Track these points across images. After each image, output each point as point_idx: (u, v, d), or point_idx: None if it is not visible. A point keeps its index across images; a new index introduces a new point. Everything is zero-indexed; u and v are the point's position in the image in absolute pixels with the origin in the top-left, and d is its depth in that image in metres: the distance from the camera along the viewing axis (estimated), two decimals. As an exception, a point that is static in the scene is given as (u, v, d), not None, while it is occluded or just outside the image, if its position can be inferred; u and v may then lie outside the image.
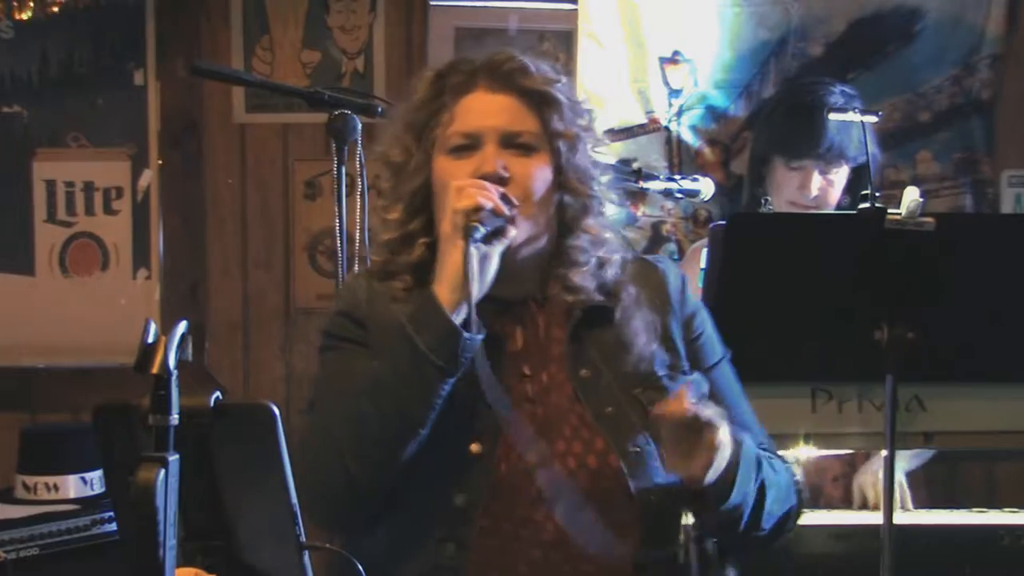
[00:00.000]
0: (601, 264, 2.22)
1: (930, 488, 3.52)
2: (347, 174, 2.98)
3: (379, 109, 3.01)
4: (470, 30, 4.52)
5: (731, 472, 2.06)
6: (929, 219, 2.63)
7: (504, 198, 2.09)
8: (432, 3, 4.54)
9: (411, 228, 2.18)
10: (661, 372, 2.20)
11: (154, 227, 4.63)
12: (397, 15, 4.60)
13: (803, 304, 2.71)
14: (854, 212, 2.91)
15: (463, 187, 2.07)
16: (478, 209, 2.04)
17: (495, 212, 2.06)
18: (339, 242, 3.00)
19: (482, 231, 2.03)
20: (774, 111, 3.65)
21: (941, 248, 2.66)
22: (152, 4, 4.56)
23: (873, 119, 3.17)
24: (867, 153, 3.25)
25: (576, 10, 4.42)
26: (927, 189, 4.40)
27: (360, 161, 2.97)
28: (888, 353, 2.65)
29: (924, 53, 4.54)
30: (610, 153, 4.33)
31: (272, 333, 4.64)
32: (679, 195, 3.34)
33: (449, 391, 2.07)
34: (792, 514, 2.27)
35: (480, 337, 2.05)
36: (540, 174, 2.14)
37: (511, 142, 2.15)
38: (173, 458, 1.57)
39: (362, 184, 2.94)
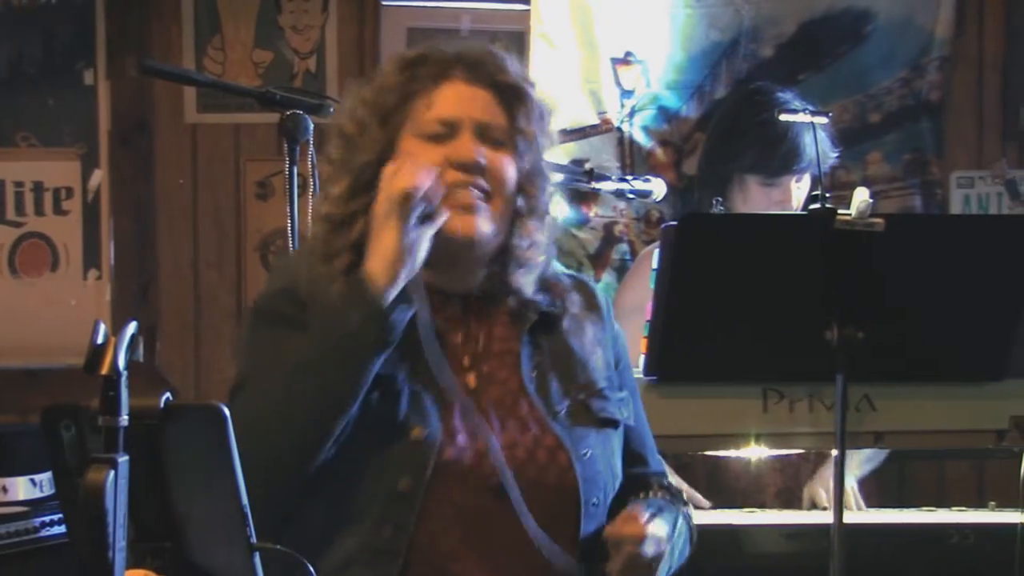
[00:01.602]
0: (545, 270, 2.25)
1: (880, 488, 3.54)
2: (299, 174, 2.98)
3: (331, 109, 3.00)
4: (422, 30, 4.52)
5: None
6: (879, 220, 2.65)
7: (476, 186, 2.13)
8: (384, 3, 4.53)
9: (354, 207, 2.16)
10: (602, 384, 2.23)
11: (104, 227, 4.60)
12: (349, 15, 4.60)
13: (754, 304, 2.72)
14: (804, 213, 2.93)
15: (399, 168, 2.07)
16: (415, 190, 2.04)
17: (428, 196, 2.06)
18: (291, 242, 2.99)
19: (418, 211, 2.04)
20: (742, 130, 3.60)
21: (890, 248, 2.67)
22: (102, 3, 4.54)
23: (823, 120, 3.19)
24: (817, 154, 3.27)
25: (528, 11, 4.42)
26: (877, 190, 4.43)
27: (312, 161, 2.97)
28: (838, 353, 2.66)
29: (874, 55, 4.57)
30: (563, 154, 4.37)
31: (224, 334, 4.62)
32: (631, 196, 3.35)
33: (396, 374, 2.08)
34: (685, 559, 2.32)
35: (411, 312, 2.06)
36: (509, 169, 2.16)
37: (485, 134, 2.16)
38: (123, 459, 1.56)
39: (314, 184, 2.93)
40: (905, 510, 3.32)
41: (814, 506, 3.41)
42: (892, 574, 3.10)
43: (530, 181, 2.19)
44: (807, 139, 3.41)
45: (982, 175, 4.64)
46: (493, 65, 2.18)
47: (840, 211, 2.67)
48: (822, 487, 3.41)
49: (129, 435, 1.58)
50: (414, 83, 2.18)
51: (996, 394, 2.91)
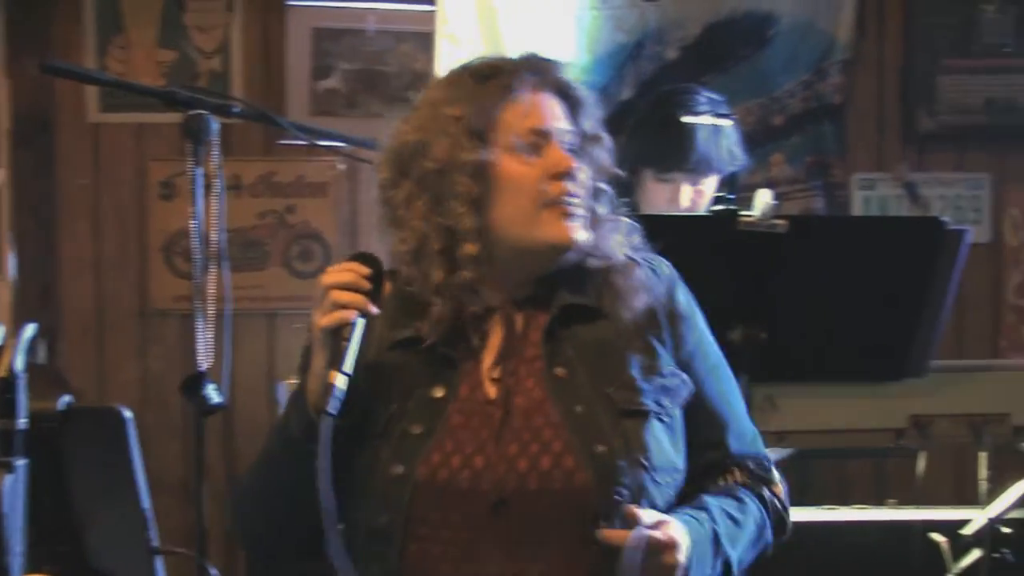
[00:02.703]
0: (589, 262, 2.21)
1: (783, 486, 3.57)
2: (204, 174, 2.95)
3: (235, 109, 2.98)
4: (328, 31, 4.51)
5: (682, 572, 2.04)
6: (781, 221, 2.67)
7: (367, 260, 2.07)
8: (289, 3, 4.51)
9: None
10: (635, 373, 2.14)
11: (5, 228, 4.54)
12: (254, 15, 4.57)
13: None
14: (708, 214, 2.95)
15: (329, 301, 2.03)
16: (345, 325, 2.02)
17: (365, 311, 2.03)
18: (195, 243, 2.96)
19: (342, 385, 2.00)
20: (644, 122, 3.66)
21: (793, 249, 2.70)
22: (2, 1, 4.48)
23: (727, 123, 3.22)
24: (736, 162, 3.32)
25: (434, 12, 4.42)
26: (780, 192, 4.47)
27: (217, 162, 2.94)
28: (741, 353, 2.68)
29: (777, 58, 4.61)
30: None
31: (127, 335, 4.58)
32: (538, 196, 3.34)
33: (379, 416, 2.08)
34: (768, 548, 2.24)
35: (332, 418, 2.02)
36: (585, 175, 2.15)
37: (564, 142, 2.15)
38: (21, 463, 1.55)
39: (219, 184, 2.91)
40: (807, 508, 3.35)
41: None
42: (795, 571, 3.13)
43: (599, 185, 2.18)
44: (704, 139, 3.43)
45: (883, 177, 4.70)
46: (556, 71, 2.17)
47: (743, 212, 2.70)
48: None
49: (28, 438, 1.56)
50: (491, 94, 2.14)
51: (896, 394, 2.95)
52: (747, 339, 2.69)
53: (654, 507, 2.06)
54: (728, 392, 2.26)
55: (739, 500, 2.18)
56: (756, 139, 4.55)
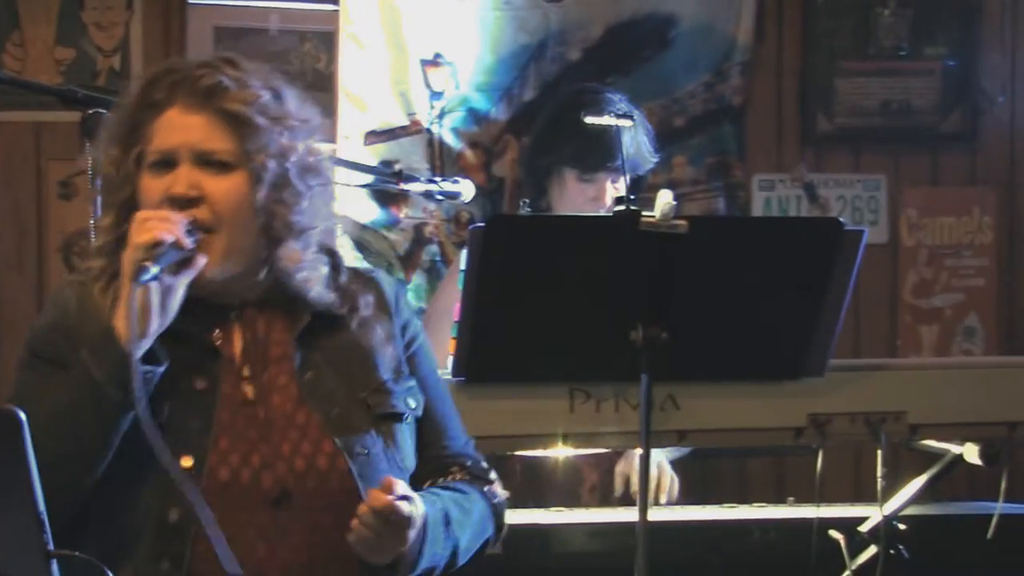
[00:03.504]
0: (336, 272, 2.23)
1: (684, 485, 3.60)
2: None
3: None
4: (230, 29, 4.47)
5: (416, 547, 2.11)
6: (682, 221, 2.69)
7: (193, 224, 2.06)
8: (190, 2, 4.47)
9: (124, 231, 2.11)
10: (387, 377, 2.22)
11: (-102, 228, 4.47)
12: (154, 13, 4.52)
13: (560, 305, 2.75)
14: (609, 214, 2.96)
15: (146, 219, 2.04)
16: (157, 244, 2.01)
17: (177, 244, 2.03)
18: (94, 243, 2.93)
19: (153, 271, 1.99)
20: (560, 123, 3.65)
21: (694, 250, 2.72)
22: None
23: (628, 123, 3.24)
24: (651, 163, 3.34)
25: (337, 11, 4.40)
26: (682, 192, 4.50)
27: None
28: (643, 353, 2.70)
29: (678, 59, 4.64)
30: (372, 155, 4.36)
31: (24, 336, 4.51)
32: (440, 197, 3.35)
33: (161, 406, 2.06)
34: (490, 541, 2.33)
35: (161, 369, 2.04)
36: (235, 192, 2.11)
37: (206, 160, 2.11)
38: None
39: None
40: (708, 507, 3.38)
41: (628, 486, 3.44)
42: (696, 570, 3.15)
43: (279, 200, 2.13)
44: (627, 141, 3.46)
45: (782, 178, 4.74)
46: (212, 89, 2.11)
47: (644, 213, 2.71)
48: (631, 467, 3.44)
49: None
50: (143, 112, 2.14)
51: (794, 392, 2.98)
52: (648, 338, 2.70)
53: None
54: (445, 396, 2.35)
55: (463, 492, 2.27)
56: (658, 140, 4.56)
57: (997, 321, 4.84)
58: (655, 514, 2.89)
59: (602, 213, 3.44)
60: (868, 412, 3.03)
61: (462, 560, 2.24)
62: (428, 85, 4.48)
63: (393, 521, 2.04)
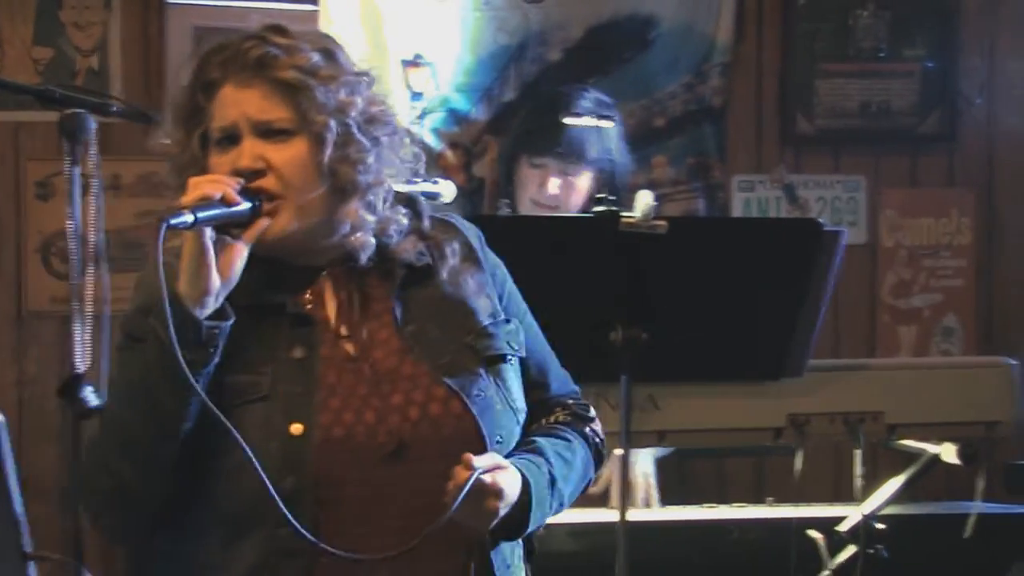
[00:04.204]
0: (418, 219, 2.22)
1: (663, 485, 3.61)
2: (81, 174, 2.91)
3: (113, 108, 2.94)
4: (209, 29, 4.46)
5: (522, 512, 2.12)
6: (662, 222, 2.70)
7: (253, 191, 2.07)
8: (169, 2, 4.46)
9: None
10: (487, 321, 2.21)
11: None
12: (133, 13, 4.50)
13: (540, 305, 2.74)
14: (590, 215, 2.97)
15: (198, 182, 2.05)
16: (203, 199, 2.01)
17: (227, 201, 2.03)
18: (73, 244, 2.92)
19: (187, 218, 1.98)
20: (526, 115, 3.70)
21: (674, 250, 2.73)
22: None
23: (609, 124, 3.24)
24: (611, 160, 3.34)
25: (317, 11, 4.40)
26: (662, 193, 4.51)
27: (95, 161, 2.90)
28: (622, 354, 2.70)
29: (659, 60, 4.65)
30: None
31: (3, 337, 4.50)
32: (420, 197, 3.35)
33: (259, 379, 2.07)
34: (591, 481, 2.34)
35: (229, 323, 2.04)
36: (299, 158, 2.11)
37: (266, 130, 2.11)
38: None
39: (97, 185, 2.87)
40: (688, 507, 3.39)
41: (609, 487, 3.45)
42: (676, 570, 3.16)
43: (344, 158, 2.12)
44: (576, 128, 3.47)
45: (762, 179, 4.75)
46: (261, 59, 2.14)
47: (624, 213, 2.72)
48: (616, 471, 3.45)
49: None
50: (199, 93, 2.16)
51: (774, 393, 2.99)
52: (628, 339, 2.71)
53: (512, 448, 2.16)
54: (540, 336, 2.35)
55: (567, 440, 2.27)
56: (638, 141, 4.58)
57: (975, 321, 4.85)
58: (635, 514, 2.90)
59: (581, 214, 3.45)
60: (847, 412, 3.04)
61: (567, 507, 2.25)
62: (408, 86, 4.48)
63: (478, 495, 2.04)
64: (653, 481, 3.54)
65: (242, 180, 2.07)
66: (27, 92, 3.01)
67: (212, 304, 2.03)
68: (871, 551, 3.03)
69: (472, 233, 2.32)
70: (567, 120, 3.40)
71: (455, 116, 4.53)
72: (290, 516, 2.00)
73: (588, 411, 2.35)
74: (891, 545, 3.05)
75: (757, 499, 3.45)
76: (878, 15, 4.76)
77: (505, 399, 2.19)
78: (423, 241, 2.22)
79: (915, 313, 4.85)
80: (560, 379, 2.36)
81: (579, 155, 3.50)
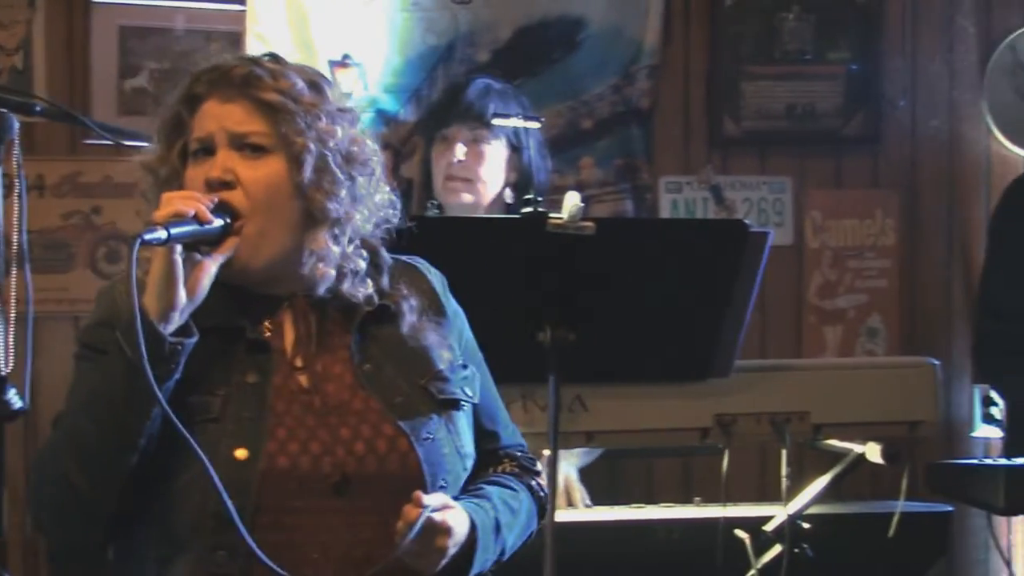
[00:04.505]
0: (377, 270, 2.23)
1: (592, 486, 3.62)
2: (4, 174, 2.88)
3: (38, 108, 2.92)
4: (135, 29, 4.43)
5: (467, 554, 2.14)
6: (589, 223, 2.71)
7: (221, 206, 2.07)
8: (95, 1, 4.42)
9: None
10: (443, 366, 2.23)
11: None
12: (58, 11, 4.46)
13: (469, 306, 2.75)
14: (517, 216, 2.97)
15: (171, 197, 2.05)
16: (175, 215, 2.01)
17: (199, 219, 2.03)
18: (-8, 245, 2.89)
19: (160, 234, 1.99)
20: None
21: (601, 251, 2.74)
22: None
23: (536, 125, 3.25)
24: (517, 136, 3.37)
25: (244, 11, 4.38)
26: (590, 194, 4.52)
27: (18, 161, 2.88)
28: (550, 354, 2.71)
29: (587, 62, 4.66)
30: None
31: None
32: (348, 199, 3.34)
33: (210, 400, 2.08)
34: (533, 533, 2.36)
35: (192, 340, 2.04)
36: (269, 177, 2.12)
37: (241, 143, 2.13)
38: None
39: (20, 185, 2.84)
40: (616, 507, 3.40)
41: None
42: (603, 570, 3.17)
43: (317, 186, 2.13)
44: (475, 93, 3.50)
45: (689, 180, 4.77)
46: (246, 78, 2.14)
47: (552, 215, 2.72)
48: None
49: None
50: (184, 107, 2.17)
51: (701, 393, 3.01)
52: (556, 340, 2.72)
53: (457, 493, 2.17)
54: (492, 387, 2.37)
55: (513, 490, 2.30)
56: (566, 142, 4.59)
57: (899, 322, 4.90)
58: (563, 515, 2.90)
59: (509, 215, 3.45)
60: (773, 412, 3.06)
61: (506, 557, 2.26)
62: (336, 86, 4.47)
63: (429, 532, 2.05)
64: (575, 483, 3.55)
65: (215, 198, 2.07)
66: (-51, 91, 2.97)
67: (177, 320, 2.03)
68: (796, 550, 3.05)
69: (436, 280, 2.34)
70: (494, 122, 3.41)
71: (383, 117, 4.52)
72: (247, 535, 2.00)
73: (534, 464, 2.38)
74: (816, 544, 3.08)
75: (685, 499, 3.46)
76: (803, 18, 4.79)
77: (454, 444, 2.20)
78: (379, 294, 2.22)
79: (840, 314, 4.89)
80: (509, 431, 2.38)
81: (480, 116, 3.51)
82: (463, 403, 2.24)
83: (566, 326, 2.72)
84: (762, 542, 3.08)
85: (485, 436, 2.31)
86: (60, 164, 4.44)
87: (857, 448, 3.18)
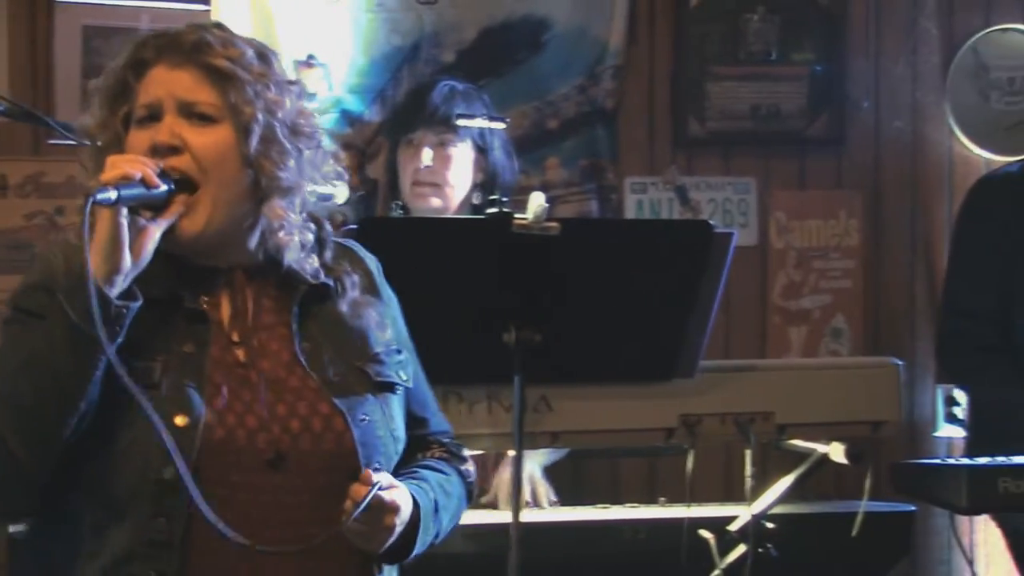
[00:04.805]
0: (321, 244, 2.23)
1: (557, 485, 3.62)
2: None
3: (1, 108, 2.91)
4: (99, 28, 4.41)
5: (410, 537, 2.16)
6: (554, 224, 2.71)
7: (169, 171, 2.06)
8: (58, 0, 4.40)
9: None
10: (379, 349, 2.24)
11: None
12: (20, 11, 4.44)
13: (434, 307, 2.74)
14: (482, 216, 2.97)
15: (116, 160, 2.04)
16: (123, 177, 2.00)
17: (146, 183, 2.02)
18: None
19: (111, 195, 1.97)
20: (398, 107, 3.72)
21: (566, 252, 2.74)
22: None
23: (501, 125, 3.25)
24: (483, 137, 3.37)
25: (208, 11, 4.36)
26: (555, 195, 4.53)
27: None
28: (516, 355, 2.71)
29: (552, 62, 4.67)
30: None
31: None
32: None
33: (152, 365, 2.07)
34: (461, 517, 2.37)
35: (137, 304, 2.03)
36: (218, 145, 2.11)
37: (190, 111, 2.12)
38: None
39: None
40: (581, 508, 3.40)
41: (504, 496, 3.46)
42: (568, 570, 3.17)
43: (266, 155, 2.13)
44: (440, 95, 3.50)
45: (654, 181, 4.78)
46: (196, 44, 2.13)
47: (517, 215, 2.72)
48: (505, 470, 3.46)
49: None
50: (130, 72, 2.15)
51: (666, 393, 3.01)
52: (521, 340, 2.72)
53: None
54: (422, 372, 2.38)
55: (446, 474, 2.32)
56: (531, 143, 4.60)
57: (863, 322, 4.92)
58: (528, 515, 2.90)
59: (474, 215, 3.45)
60: (737, 412, 3.07)
61: (439, 541, 2.27)
62: (301, 86, 4.46)
63: (377, 511, 2.06)
64: (540, 481, 3.55)
65: (160, 163, 2.06)
66: (-90, 90, 2.96)
67: (120, 284, 2.02)
68: (761, 550, 3.06)
69: (372, 263, 2.34)
70: (459, 123, 3.41)
71: (348, 117, 4.51)
72: (199, 498, 1.99)
73: (461, 451, 2.39)
74: (780, 544, 3.09)
75: (650, 499, 3.47)
76: (768, 19, 4.81)
77: (388, 426, 2.20)
78: (323, 268, 2.23)
79: (805, 314, 4.90)
80: (438, 417, 2.40)
81: (446, 120, 3.51)
82: (398, 387, 2.25)
83: (531, 327, 2.72)
84: (726, 542, 3.08)
85: (415, 422, 2.32)
86: (23, 164, 4.42)
87: (821, 448, 3.19)
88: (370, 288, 2.30)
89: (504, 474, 3.47)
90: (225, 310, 2.18)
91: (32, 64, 4.45)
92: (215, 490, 2.06)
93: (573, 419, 2.98)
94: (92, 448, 2.06)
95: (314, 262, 2.21)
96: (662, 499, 3.32)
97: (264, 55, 2.20)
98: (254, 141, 2.12)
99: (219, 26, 2.20)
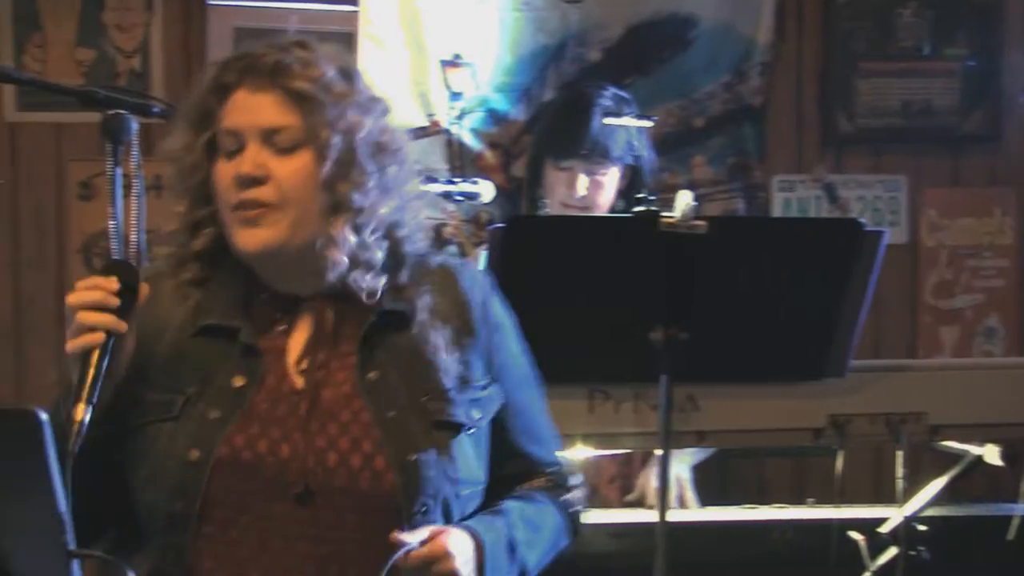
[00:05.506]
0: (396, 264, 2.18)
1: (703, 485, 3.60)
2: (123, 175, 2.93)
3: (155, 109, 2.96)
4: (250, 30, 4.48)
5: (475, 573, 2.08)
6: (701, 222, 2.69)
7: (116, 266, 2.06)
8: (210, 3, 4.48)
9: (198, 216, 2.15)
10: (450, 385, 2.15)
11: (-79, 228, 4.49)
12: (175, 14, 4.53)
13: (580, 305, 2.75)
14: (629, 215, 2.96)
15: (76, 324, 2.04)
16: (94, 348, 2.01)
17: (107, 327, 2.02)
18: (115, 244, 2.94)
19: (87, 414, 1.96)
20: (545, 112, 3.70)
21: (713, 250, 2.72)
22: (-84, -1, 4.42)
23: (647, 124, 3.24)
24: (635, 155, 3.34)
25: (357, 12, 4.41)
26: (702, 193, 4.50)
27: (136, 162, 2.92)
28: (662, 354, 2.70)
29: (698, 60, 4.64)
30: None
31: (46, 337, 4.52)
32: (459, 197, 3.36)
33: (174, 399, 2.08)
34: (565, 549, 2.29)
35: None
36: (299, 172, 2.09)
37: (271, 139, 2.10)
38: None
39: (139, 185, 2.89)
40: (727, 507, 3.37)
41: (644, 491, 3.45)
42: (715, 570, 3.15)
43: (343, 177, 2.11)
44: (598, 127, 3.46)
45: (802, 179, 4.74)
46: (275, 67, 2.11)
47: (664, 214, 2.71)
48: (654, 478, 3.45)
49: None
50: (212, 96, 2.15)
51: (814, 393, 2.98)
52: (668, 339, 2.70)
53: (450, 519, 2.09)
54: (535, 400, 2.29)
55: (539, 505, 2.23)
56: (677, 141, 4.58)
57: (1018, 322, 4.83)
58: (675, 515, 2.89)
59: (620, 214, 3.44)
60: (888, 413, 3.02)
61: (533, 574, 2.20)
62: (447, 86, 4.49)
63: (425, 563, 2.00)
64: (688, 483, 3.53)
65: (115, 280, 2.03)
66: (70, 93, 3.03)
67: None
68: (912, 553, 3.01)
69: (478, 286, 2.26)
70: (604, 121, 3.39)
71: (494, 116, 4.53)
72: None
73: (567, 480, 2.31)
74: (933, 547, 3.04)
75: (797, 500, 3.43)
76: (920, 14, 4.74)
77: (444, 467, 2.10)
78: (393, 290, 2.17)
79: (957, 314, 4.82)
80: (547, 448, 2.30)
81: (604, 154, 3.49)
82: (468, 428, 2.15)
83: (678, 325, 2.70)
84: (877, 544, 3.04)
85: (513, 455, 2.23)
86: (177, 165, 4.49)
87: (975, 450, 3.13)
88: (459, 315, 2.20)
89: (650, 473, 3.46)
90: (299, 338, 2.15)
91: (186, 66, 4.54)
92: (236, 517, 2.05)
93: (720, 418, 2.96)
94: (122, 484, 2.08)
95: (378, 282, 2.15)
96: (810, 500, 3.28)
97: (347, 72, 2.16)
98: (331, 164, 2.09)
99: (301, 44, 2.17)
